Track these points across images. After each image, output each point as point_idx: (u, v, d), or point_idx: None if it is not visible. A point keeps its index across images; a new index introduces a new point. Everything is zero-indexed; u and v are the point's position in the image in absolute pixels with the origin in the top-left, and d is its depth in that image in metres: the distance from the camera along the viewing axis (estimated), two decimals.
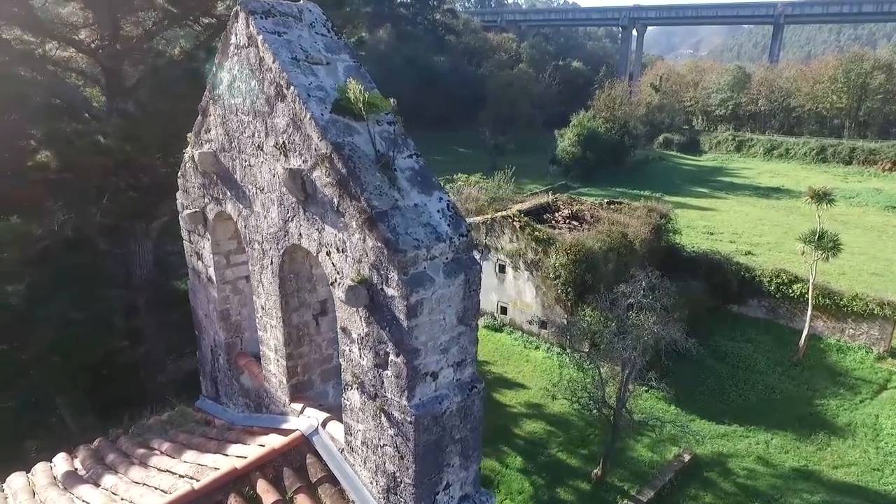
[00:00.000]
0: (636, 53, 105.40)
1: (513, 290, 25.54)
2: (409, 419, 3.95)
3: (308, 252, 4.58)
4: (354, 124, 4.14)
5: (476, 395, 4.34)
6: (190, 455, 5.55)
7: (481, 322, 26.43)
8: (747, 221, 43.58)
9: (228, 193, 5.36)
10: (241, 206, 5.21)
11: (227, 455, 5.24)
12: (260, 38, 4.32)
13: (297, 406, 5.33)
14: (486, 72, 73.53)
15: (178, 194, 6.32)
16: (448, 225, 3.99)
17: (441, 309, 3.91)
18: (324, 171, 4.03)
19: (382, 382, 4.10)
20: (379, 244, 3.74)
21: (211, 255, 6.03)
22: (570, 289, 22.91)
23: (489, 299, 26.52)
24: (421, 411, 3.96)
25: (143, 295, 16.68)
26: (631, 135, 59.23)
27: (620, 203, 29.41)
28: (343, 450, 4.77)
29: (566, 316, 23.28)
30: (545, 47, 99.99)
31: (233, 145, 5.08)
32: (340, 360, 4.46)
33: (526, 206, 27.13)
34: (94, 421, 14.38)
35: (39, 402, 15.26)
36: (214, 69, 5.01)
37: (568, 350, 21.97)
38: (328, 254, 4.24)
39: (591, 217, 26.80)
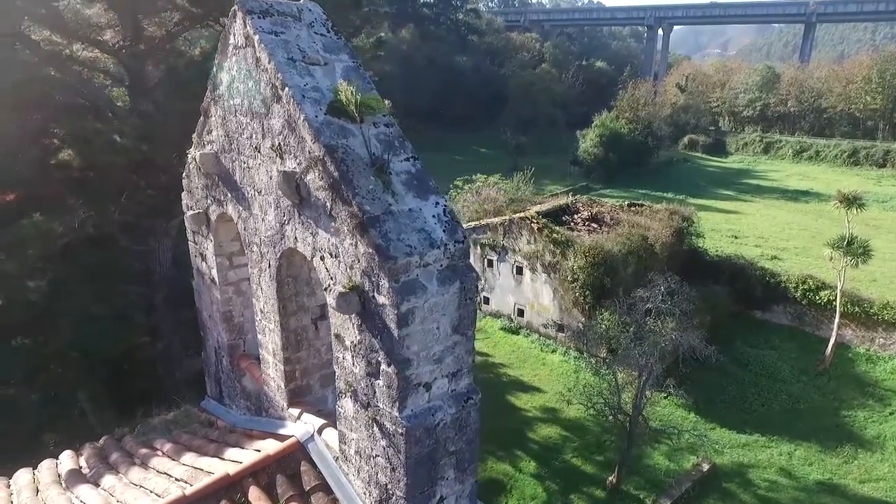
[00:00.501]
0: (662, 53, 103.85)
1: (530, 293, 25.28)
2: (400, 431, 3.84)
3: (305, 256, 4.50)
4: (350, 126, 4.03)
5: (472, 407, 4.21)
6: (188, 457, 5.52)
7: (497, 324, 26.26)
8: (774, 225, 42.53)
9: (229, 195, 5.31)
10: (241, 208, 5.15)
11: (223, 459, 5.19)
12: (256, 37, 4.24)
13: (295, 411, 5.26)
14: (509, 72, 73.14)
15: (184, 195, 6.31)
16: (443, 231, 3.86)
17: (434, 318, 3.78)
18: (317, 174, 3.93)
19: (374, 392, 3.99)
20: (370, 250, 3.63)
21: (214, 257, 6.00)
22: (587, 292, 22.58)
23: (506, 301, 26.31)
24: (412, 423, 3.84)
25: (162, 292, 16.89)
26: (654, 136, 58.32)
27: (641, 205, 28.91)
28: (338, 458, 4.67)
29: (584, 320, 22.96)
30: (569, 47, 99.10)
31: (232, 146, 5.03)
32: (334, 366, 4.37)
33: (544, 207, 26.84)
34: (113, 415, 14.59)
35: (59, 397, 15.55)
36: (215, 69, 4.96)
37: (585, 354, 21.67)
38: (322, 259, 4.14)
39: (611, 219, 26.38)
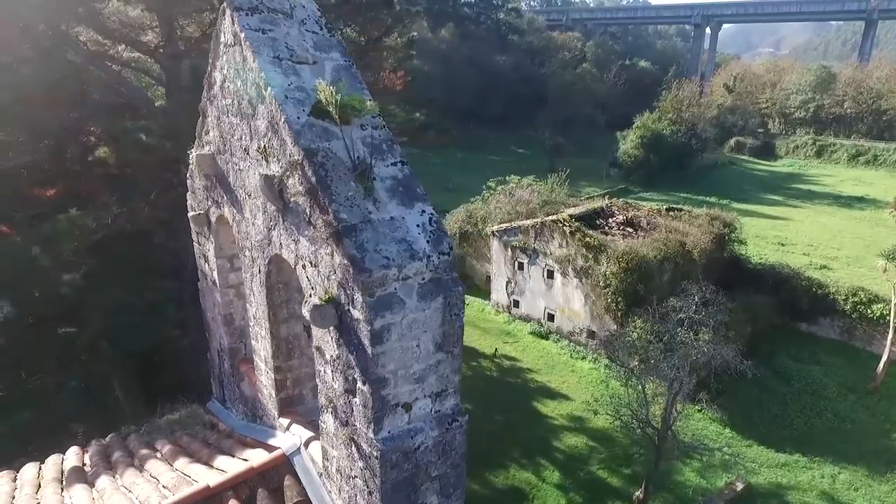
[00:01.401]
0: (709, 53, 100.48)
1: (561, 297, 24.71)
2: (375, 454, 3.60)
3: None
4: (334, 128, 3.82)
5: (457, 430, 3.93)
6: (181, 462, 5.43)
7: (527, 328, 25.79)
8: (824, 233, 40.47)
9: (225, 197, 5.19)
10: (235, 211, 5.02)
11: (211, 467, 5.07)
12: (242, 35, 4.08)
13: (285, 421, 5.10)
14: (549, 71, 72.05)
15: (188, 195, 6.25)
16: (427, 241, 3.60)
17: (414, 335, 3.53)
18: (297, 178, 3.74)
19: (352, 410, 3.77)
20: (345, 261, 3.41)
21: (214, 259, 5.91)
22: (620, 299, 21.89)
23: (536, 305, 25.82)
24: (388, 446, 3.60)
25: (190, 288, 17.18)
26: (699, 137, 56.38)
27: (680, 210, 27.90)
28: (322, 474, 4.48)
29: (615, 327, 22.29)
30: (612, 46, 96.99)
31: (226, 148, 4.90)
32: (317, 379, 4.17)
33: (578, 210, 26.18)
34: (145, 406, 14.89)
35: (91, 387, 15.98)
36: (209, 68, 4.84)
37: (617, 363, 21.01)
38: (304, 267, 3.95)
39: (648, 224, 25.53)
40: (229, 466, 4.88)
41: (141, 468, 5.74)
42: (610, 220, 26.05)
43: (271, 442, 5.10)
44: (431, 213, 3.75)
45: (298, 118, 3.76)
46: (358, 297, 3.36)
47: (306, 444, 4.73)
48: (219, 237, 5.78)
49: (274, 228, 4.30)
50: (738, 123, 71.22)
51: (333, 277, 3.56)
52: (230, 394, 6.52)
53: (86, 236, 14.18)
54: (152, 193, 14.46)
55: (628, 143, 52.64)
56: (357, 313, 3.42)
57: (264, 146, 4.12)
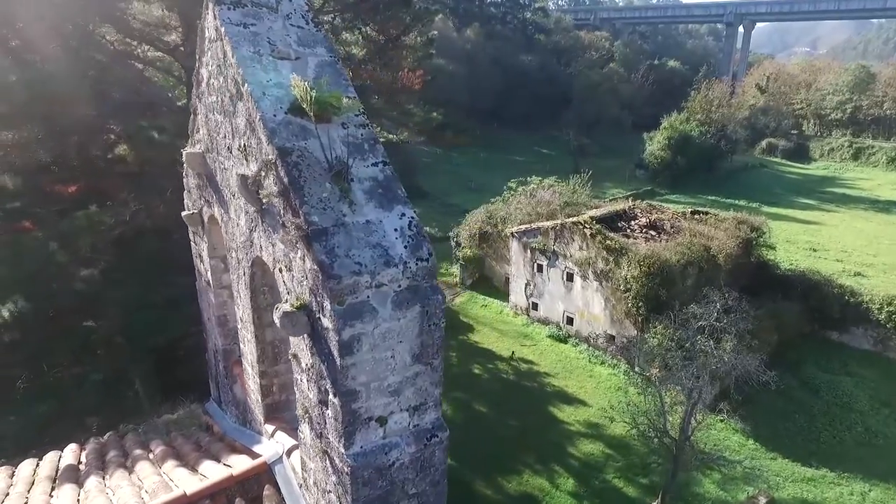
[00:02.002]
0: (742, 52, 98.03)
1: (580, 301, 24.27)
2: (346, 469, 3.42)
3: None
4: (312, 126, 3.65)
5: (437, 445, 3.73)
6: (168, 465, 5.35)
7: (545, 331, 25.39)
8: (860, 239, 39.01)
9: (214, 196, 5.08)
10: (222, 211, 4.90)
11: (195, 472, 4.97)
12: (223, 30, 3.94)
13: (270, 428, 4.96)
14: (575, 71, 71.16)
15: (185, 194, 6.17)
16: (405, 247, 3.40)
17: (388, 345, 3.34)
18: (272, 178, 3.58)
19: (325, 422, 3.60)
20: (314, 267, 3.23)
21: (208, 259, 5.81)
22: (641, 303, 21.35)
23: (555, 308, 25.41)
24: (360, 462, 3.41)
25: None
26: (728, 139, 54.98)
27: (706, 213, 27.13)
28: (301, 485, 4.32)
29: (636, 332, 21.77)
30: (640, 46, 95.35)
31: (214, 146, 4.78)
32: (294, 388, 4.01)
33: (599, 212, 25.66)
34: (165, 400, 15.04)
35: (109, 381, 16.21)
36: (196, 65, 4.72)
37: (637, 369, 20.52)
38: (280, 270, 3.79)
39: (671, 227, 24.90)
40: (212, 473, 4.77)
41: (131, 470, 5.68)
42: (632, 222, 25.49)
43: (256, 448, 4.97)
44: (412, 217, 3.55)
45: (275, 115, 3.60)
46: (327, 304, 3.18)
47: (288, 453, 4.59)
48: (211, 237, 5.68)
49: (255, 230, 4.16)
50: (770, 125, 69.31)
51: (305, 283, 3.39)
52: (225, 396, 6.43)
53: (104, 233, 14.38)
54: (168, 191, 14.57)
55: (655, 144, 51.61)
56: (326, 322, 3.24)
57: (244, 144, 3.98)
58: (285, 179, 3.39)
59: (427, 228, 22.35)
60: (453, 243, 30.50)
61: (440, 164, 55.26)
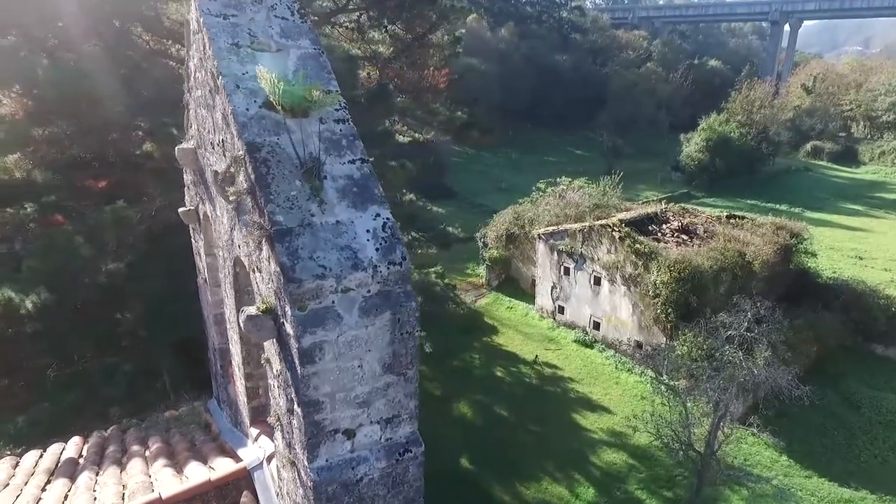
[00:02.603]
0: (787, 51, 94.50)
1: (608, 305, 23.67)
2: (309, 483, 3.23)
3: None
4: (288, 121, 3.48)
5: (411, 461, 3.51)
6: (158, 464, 5.29)
7: (571, 335, 24.86)
8: None
9: (205, 193, 4.98)
10: (212, 208, 4.79)
11: (180, 473, 4.88)
12: (202, 21, 3.81)
13: (255, 431, 4.83)
14: (611, 71, 69.85)
15: (185, 190, 6.12)
16: (376, 249, 3.19)
17: (355, 354, 3.14)
18: (243, 175, 3.42)
19: (293, 432, 3.42)
20: (277, 269, 3.05)
21: (205, 256, 5.74)
22: (670, 310, 20.66)
23: (582, 312, 24.87)
24: (324, 476, 3.22)
25: None
26: (770, 141, 53.02)
27: (742, 218, 26.14)
28: (278, 494, 4.17)
29: (664, 339, 21.10)
30: (680, 45, 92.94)
31: (202, 141, 4.67)
32: (270, 394, 3.85)
33: (630, 215, 24.99)
34: (192, 392, 15.24)
35: (137, 372, 16.53)
36: (185, 59, 4.62)
37: (664, 377, 19.85)
38: (253, 271, 3.63)
39: (705, 232, 24.05)
40: (195, 475, 4.66)
41: (124, 466, 5.65)
42: (664, 226, 24.73)
43: (241, 452, 4.85)
44: (387, 218, 3.34)
45: (247, 109, 3.45)
46: (288, 309, 3.00)
47: (269, 459, 4.44)
48: (207, 234, 5.59)
49: (234, 228, 4.02)
50: (816, 127, 66.58)
51: (271, 285, 3.22)
52: (222, 395, 6.36)
53: (130, 227, 14.65)
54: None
55: (692, 145, 50.14)
56: (288, 327, 3.06)
57: (221, 140, 3.84)
58: (252, 176, 3.23)
59: (449, 229, 22.17)
60: (480, 244, 30.21)
61: (471, 163, 54.97)
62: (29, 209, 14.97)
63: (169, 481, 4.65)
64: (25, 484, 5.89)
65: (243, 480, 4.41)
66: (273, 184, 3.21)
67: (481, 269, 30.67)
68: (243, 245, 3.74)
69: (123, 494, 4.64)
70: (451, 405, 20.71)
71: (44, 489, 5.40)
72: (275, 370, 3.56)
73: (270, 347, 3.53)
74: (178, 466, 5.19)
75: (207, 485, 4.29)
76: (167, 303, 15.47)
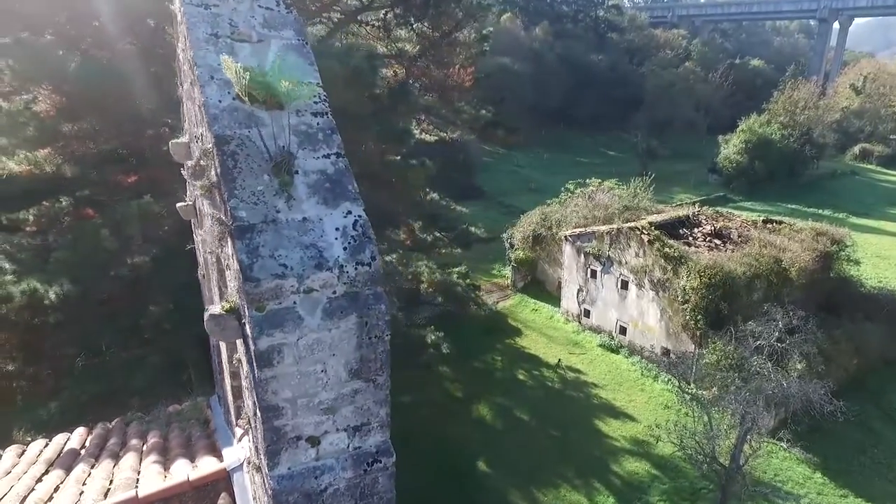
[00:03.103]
0: (836, 50, 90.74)
1: (634, 310, 23.07)
2: (269, 492, 3.10)
3: None
4: (261, 114, 3.35)
5: (380, 472, 3.34)
6: (149, 460, 5.27)
7: (596, 340, 24.34)
8: None
9: None
10: (200, 203, 4.72)
11: (166, 471, 4.83)
12: (182, 10, 3.72)
13: (239, 431, 4.74)
14: (647, 71, 68.33)
15: (187, 184, 6.09)
16: (344, 249, 3.04)
17: (318, 358, 2.99)
18: (212, 168, 3.31)
19: (258, 437, 3.29)
20: (237, 266, 2.92)
21: (201, 251, 5.69)
22: (699, 316, 19.97)
23: (608, 316, 24.31)
24: (284, 485, 3.08)
25: None
26: (814, 143, 50.94)
27: (780, 223, 25.10)
28: (255, 497, 4.05)
29: (693, 347, 20.42)
30: (721, 44, 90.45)
31: (192, 135, 4.60)
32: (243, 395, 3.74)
33: (660, 218, 24.30)
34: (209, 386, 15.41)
35: (162, 364, 16.84)
36: (176, 51, 4.56)
37: (691, 386, 19.20)
38: (227, 268, 3.52)
39: (739, 237, 23.19)
40: (178, 473, 4.60)
41: (118, 460, 5.66)
42: (695, 230, 23.97)
43: (225, 451, 4.77)
44: (359, 216, 3.18)
45: (220, 101, 3.33)
46: (246, 310, 2.87)
47: (248, 461, 4.33)
48: (203, 228, 5.54)
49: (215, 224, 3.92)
50: (864, 129, 63.77)
51: (234, 284, 3.10)
52: (220, 391, 6.31)
53: (156, 221, 14.93)
54: None
55: (730, 147, 48.58)
56: (248, 329, 2.93)
57: (201, 133, 3.74)
58: (218, 169, 3.11)
59: (472, 229, 21.92)
60: (507, 245, 29.88)
61: (501, 163, 54.57)
62: (64, 203, 15.44)
63: (153, 479, 4.60)
64: (24, 473, 5.96)
65: (222, 482, 4.32)
66: (239, 178, 3.08)
67: (507, 271, 30.33)
68: (213, 241, 3.63)
69: (107, 490, 4.61)
70: (470, 407, 20.49)
71: (39, 480, 5.44)
72: (244, 371, 3.44)
73: (241, 348, 3.41)
74: (168, 463, 5.15)
75: (185, 485, 4.22)
76: (192, 296, 15.69)
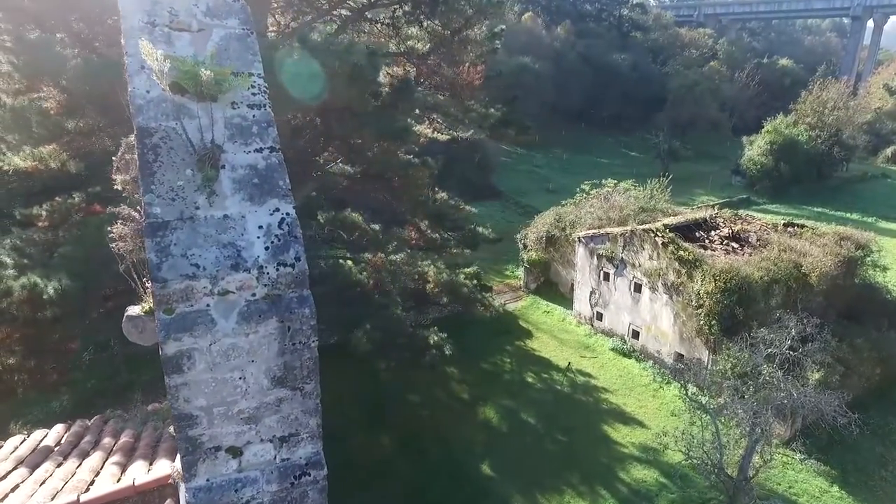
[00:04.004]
0: (870, 49, 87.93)
1: (647, 314, 22.55)
2: None
3: None
4: (193, 105, 3.19)
5: (310, 485, 3.14)
6: (111, 461, 5.18)
7: (608, 343, 23.87)
8: None
9: None
10: None
11: (122, 475, 4.72)
12: None
13: None
14: (671, 70, 67.11)
15: None
16: (266, 248, 2.85)
17: (235, 365, 2.81)
18: (134, 163, 3.15)
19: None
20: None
21: None
22: (714, 322, 19.40)
23: (620, 320, 23.82)
24: (201, 498, 2.91)
25: None
26: (844, 145, 49.41)
27: (802, 226, 24.29)
28: None
29: (707, 353, 19.87)
30: (749, 43, 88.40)
31: None
32: None
33: (676, 220, 23.71)
34: None
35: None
36: None
37: (704, 393, 18.65)
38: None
39: (758, 240, 22.50)
40: (131, 477, 4.48)
41: (83, 459, 5.58)
42: (712, 232, 23.33)
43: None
44: (286, 214, 3.00)
45: (148, 92, 3.18)
46: (157, 312, 2.70)
47: None
48: None
49: None
50: None
51: (150, 285, 2.94)
52: None
53: None
54: None
55: (755, 149, 47.38)
56: (161, 333, 2.76)
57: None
58: (137, 163, 2.96)
59: (479, 229, 21.63)
60: (520, 245, 29.54)
61: (520, 163, 54.13)
62: (76, 199, 15.63)
63: (105, 481, 4.49)
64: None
65: (169, 488, 4.19)
66: (159, 172, 2.92)
67: (520, 272, 29.99)
68: (133, 238, 3.49)
69: (57, 492, 4.52)
70: (476, 409, 20.25)
71: (3, 478, 5.39)
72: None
73: None
74: (128, 465, 5.05)
75: (129, 489, 4.09)
76: None
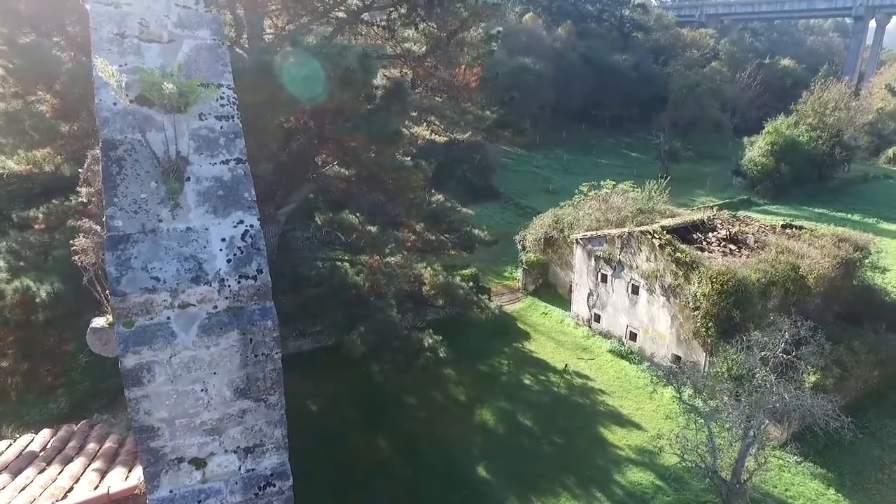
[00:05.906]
0: (872, 49, 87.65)
1: (645, 316, 22.52)
2: None
3: None
4: (160, 118, 3.20)
5: (275, 496, 3.15)
6: (92, 467, 5.20)
7: (606, 345, 23.85)
8: None
9: None
10: None
11: (101, 482, 4.74)
12: (89, 8, 3.59)
13: None
14: (672, 71, 66.98)
15: None
16: (228, 261, 2.86)
17: (196, 377, 2.82)
18: (98, 176, 3.17)
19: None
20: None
21: None
22: (710, 324, 19.37)
23: (618, 322, 23.80)
24: None
25: None
26: (845, 146, 49.26)
27: (800, 228, 24.24)
28: None
29: (704, 355, 19.84)
30: (751, 44, 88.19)
31: None
32: None
33: (673, 222, 23.68)
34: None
35: None
36: None
37: (701, 395, 18.61)
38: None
39: (756, 242, 22.45)
40: (107, 485, 4.50)
41: (66, 465, 5.60)
42: (710, 234, 23.29)
43: None
44: (250, 226, 3.00)
45: (114, 104, 3.19)
46: (116, 324, 2.72)
47: None
48: None
49: None
50: None
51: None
52: None
53: None
54: None
55: (755, 149, 47.26)
56: (118, 346, 2.77)
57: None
58: (101, 176, 2.97)
59: (475, 231, 21.61)
60: (519, 247, 29.54)
61: (520, 164, 54.08)
62: (73, 201, 15.68)
63: (82, 489, 4.51)
64: None
65: (142, 496, 4.19)
66: (122, 185, 2.94)
67: (518, 273, 29.98)
68: (96, 251, 3.50)
69: (34, 499, 4.54)
70: (473, 411, 20.24)
71: None
72: None
73: None
74: (108, 472, 5.07)
75: (103, 497, 4.11)
76: None
